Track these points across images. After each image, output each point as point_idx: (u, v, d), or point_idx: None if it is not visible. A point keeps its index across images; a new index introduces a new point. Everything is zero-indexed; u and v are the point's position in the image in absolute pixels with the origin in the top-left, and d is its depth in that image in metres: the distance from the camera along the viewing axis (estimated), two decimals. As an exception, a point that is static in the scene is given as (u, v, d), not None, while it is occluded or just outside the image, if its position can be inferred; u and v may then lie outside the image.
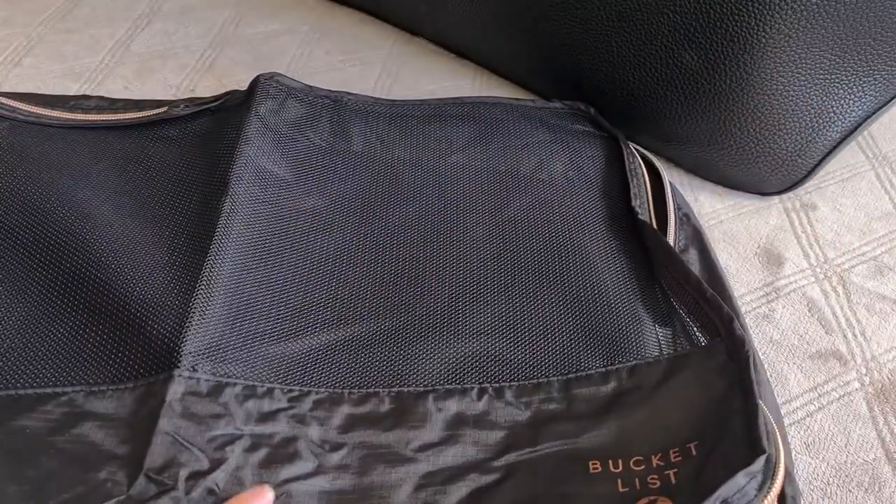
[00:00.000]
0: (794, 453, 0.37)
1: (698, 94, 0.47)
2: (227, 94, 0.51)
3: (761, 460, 0.30)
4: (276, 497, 0.32)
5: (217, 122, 0.49)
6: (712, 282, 0.42)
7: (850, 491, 0.36)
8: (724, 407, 0.33)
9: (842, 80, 0.46)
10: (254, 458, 0.33)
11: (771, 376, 0.40)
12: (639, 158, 0.50)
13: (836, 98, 0.47)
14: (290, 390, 0.35)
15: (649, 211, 0.46)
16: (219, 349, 0.36)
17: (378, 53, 0.63)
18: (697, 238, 0.45)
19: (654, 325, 0.40)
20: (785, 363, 0.41)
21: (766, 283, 0.45)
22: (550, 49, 0.53)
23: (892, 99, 0.49)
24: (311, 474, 0.33)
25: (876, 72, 0.47)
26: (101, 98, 0.53)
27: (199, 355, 0.35)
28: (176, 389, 0.34)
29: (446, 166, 0.48)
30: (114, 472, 0.31)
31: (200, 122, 0.50)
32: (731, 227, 0.49)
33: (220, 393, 0.34)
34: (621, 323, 0.39)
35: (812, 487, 0.36)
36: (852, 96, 0.47)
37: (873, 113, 0.49)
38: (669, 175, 0.53)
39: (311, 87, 0.51)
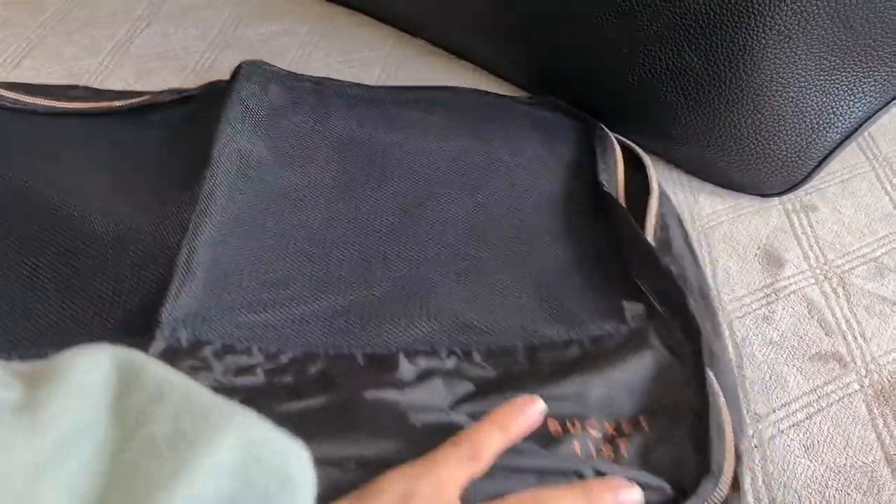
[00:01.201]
0: (792, 456, 0.37)
1: (698, 95, 0.47)
2: (211, 83, 0.52)
3: (710, 485, 0.32)
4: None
5: (200, 107, 0.51)
6: (690, 253, 0.44)
7: (848, 494, 0.35)
8: (676, 383, 0.36)
9: (842, 80, 0.46)
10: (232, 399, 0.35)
11: (770, 378, 0.40)
12: (613, 140, 0.51)
13: (836, 99, 0.47)
14: (268, 349, 0.37)
15: (617, 186, 0.48)
16: (198, 317, 0.37)
17: (377, 55, 0.63)
18: (675, 214, 0.47)
19: (621, 299, 0.41)
20: (784, 365, 0.41)
21: (765, 284, 0.45)
22: (550, 51, 0.53)
23: (892, 100, 0.48)
24: (287, 401, 0.34)
25: (876, 72, 0.46)
26: (87, 88, 0.54)
27: (178, 322, 0.37)
28: (157, 347, 0.35)
29: (423, 148, 0.49)
30: None
31: (184, 107, 0.52)
32: (731, 228, 0.49)
33: (200, 349, 0.36)
34: (585, 296, 0.41)
35: (810, 490, 0.36)
36: (852, 97, 0.47)
37: (873, 114, 0.48)
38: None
39: (293, 72, 0.53)
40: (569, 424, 0.34)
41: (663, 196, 0.48)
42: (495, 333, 0.39)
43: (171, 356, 0.35)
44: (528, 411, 0.32)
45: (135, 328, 0.36)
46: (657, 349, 0.38)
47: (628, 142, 0.52)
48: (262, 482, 0.19)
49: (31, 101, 0.51)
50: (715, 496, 0.32)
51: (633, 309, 0.40)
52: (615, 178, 0.48)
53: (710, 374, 0.36)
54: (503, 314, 0.40)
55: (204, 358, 0.35)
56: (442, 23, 0.60)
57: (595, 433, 0.34)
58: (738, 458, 0.34)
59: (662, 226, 0.45)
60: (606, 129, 0.52)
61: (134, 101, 0.52)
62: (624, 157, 0.50)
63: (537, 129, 0.51)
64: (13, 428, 0.17)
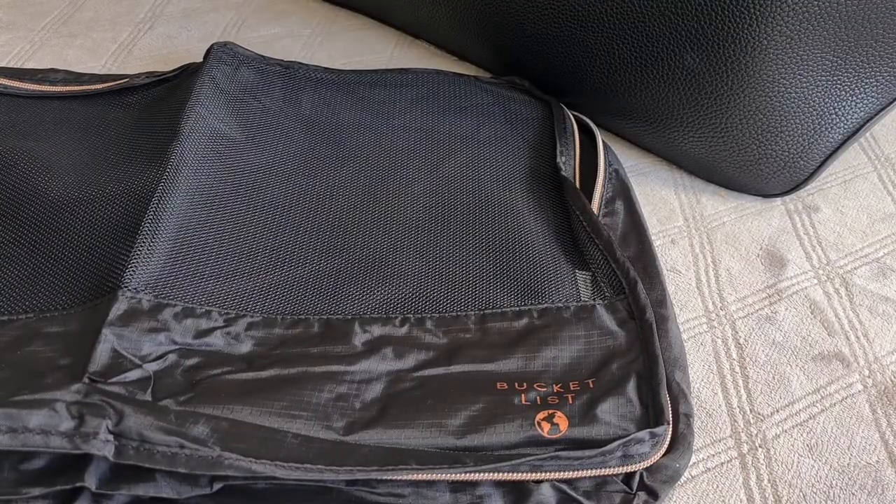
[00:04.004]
0: (797, 455, 0.37)
1: (700, 95, 0.47)
2: (186, 65, 0.54)
3: (664, 428, 0.34)
4: (196, 383, 0.34)
5: (173, 88, 0.52)
6: (634, 229, 0.46)
7: (852, 494, 0.36)
8: (622, 359, 0.38)
9: (843, 81, 0.46)
10: (188, 362, 0.36)
11: (773, 378, 0.40)
12: (571, 119, 0.53)
13: (837, 99, 0.47)
14: (227, 313, 0.38)
15: (574, 168, 0.50)
16: (159, 282, 0.38)
17: (380, 57, 0.63)
18: (624, 190, 0.49)
19: (574, 270, 0.42)
20: (787, 365, 0.41)
21: (768, 284, 0.45)
22: (550, 52, 0.53)
23: (894, 100, 0.48)
24: (237, 371, 0.36)
25: (878, 73, 0.46)
26: (68, 72, 0.55)
27: (141, 284, 0.38)
28: (119, 307, 0.36)
29: (389, 127, 0.51)
30: (59, 379, 0.33)
31: (158, 89, 0.53)
32: (733, 228, 0.49)
33: (161, 311, 0.37)
34: (537, 269, 0.42)
35: (815, 490, 0.36)
36: (854, 97, 0.47)
37: (875, 114, 0.48)
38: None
39: (264, 56, 0.54)
40: (515, 385, 0.36)
41: (613, 173, 0.50)
42: (449, 301, 0.40)
43: (132, 317, 0.36)
44: None
45: (100, 292, 0.37)
46: (602, 327, 0.39)
47: (585, 119, 0.53)
48: None
49: (12, 85, 0.52)
50: (651, 453, 0.34)
51: (583, 277, 0.42)
52: (573, 158, 0.50)
53: (657, 345, 0.38)
54: (459, 283, 0.41)
55: (164, 321, 0.37)
56: (442, 26, 0.60)
57: (542, 389, 0.36)
58: (686, 416, 0.36)
59: (609, 211, 0.47)
60: (565, 108, 0.53)
61: (111, 84, 0.53)
62: (581, 134, 0.52)
63: (500, 108, 0.53)
64: None
